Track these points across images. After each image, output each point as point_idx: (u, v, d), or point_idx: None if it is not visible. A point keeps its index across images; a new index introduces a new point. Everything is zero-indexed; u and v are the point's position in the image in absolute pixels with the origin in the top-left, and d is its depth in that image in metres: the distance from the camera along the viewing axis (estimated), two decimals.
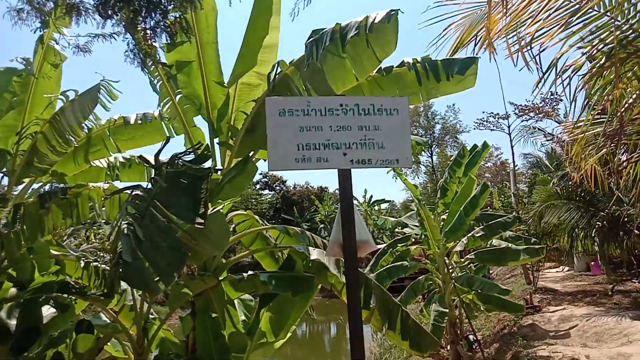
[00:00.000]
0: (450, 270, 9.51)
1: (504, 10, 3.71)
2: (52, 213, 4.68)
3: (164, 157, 4.07)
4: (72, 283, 4.72)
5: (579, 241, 11.74)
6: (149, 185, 3.58)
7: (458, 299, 9.19)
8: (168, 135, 5.96)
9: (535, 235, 12.31)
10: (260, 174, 38.67)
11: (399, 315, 4.73)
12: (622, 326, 8.37)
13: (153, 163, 4.01)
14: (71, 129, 5.15)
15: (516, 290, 13.38)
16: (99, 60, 5.39)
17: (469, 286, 9.04)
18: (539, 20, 3.75)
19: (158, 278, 2.99)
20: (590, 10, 3.73)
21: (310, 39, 4.06)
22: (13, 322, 3.82)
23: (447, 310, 8.52)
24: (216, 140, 4.95)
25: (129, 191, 3.57)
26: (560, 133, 11.37)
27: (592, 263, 15.01)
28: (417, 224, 10.22)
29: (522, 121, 24.23)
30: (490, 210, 15.65)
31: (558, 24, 3.73)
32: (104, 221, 5.50)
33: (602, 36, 3.72)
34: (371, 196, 33.39)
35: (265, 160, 4.93)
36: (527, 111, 23.69)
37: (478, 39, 4.39)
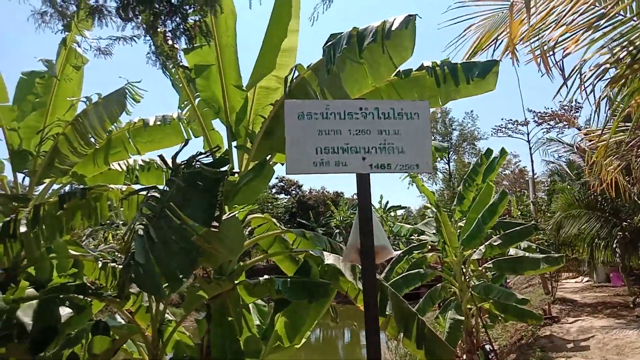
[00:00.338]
0: (467, 279, 9.40)
1: (527, 15, 3.64)
2: (71, 214, 4.73)
3: (182, 159, 4.08)
4: (89, 284, 4.76)
5: (599, 252, 11.49)
6: (166, 188, 3.58)
7: (475, 307, 9.07)
8: (187, 137, 6.00)
9: (554, 245, 12.09)
10: (277, 178, 38.85)
11: (415, 323, 4.66)
12: None
13: (170, 165, 4.03)
14: (94, 131, 5.22)
15: (534, 300, 13.13)
16: (119, 63, 5.46)
17: (486, 294, 8.94)
18: (562, 25, 3.68)
19: (167, 282, 2.97)
20: (617, 14, 3.64)
21: (328, 43, 4.04)
22: (30, 321, 3.83)
23: (463, 319, 8.41)
24: (234, 143, 4.95)
25: (145, 192, 3.58)
26: (581, 140, 11.15)
27: (613, 274, 14.67)
28: (434, 231, 10.13)
29: (541, 129, 23.93)
30: (509, 218, 15.43)
31: (582, 29, 3.66)
32: (122, 222, 5.55)
33: (630, 40, 3.62)
34: (387, 202, 33.17)
35: (282, 164, 4.91)
36: (546, 119, 23.37)
37: (498, 43, 4.32)
